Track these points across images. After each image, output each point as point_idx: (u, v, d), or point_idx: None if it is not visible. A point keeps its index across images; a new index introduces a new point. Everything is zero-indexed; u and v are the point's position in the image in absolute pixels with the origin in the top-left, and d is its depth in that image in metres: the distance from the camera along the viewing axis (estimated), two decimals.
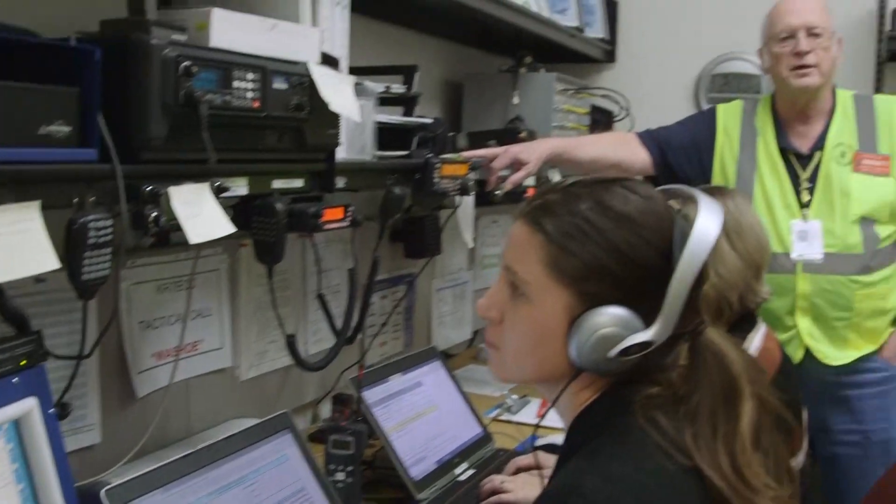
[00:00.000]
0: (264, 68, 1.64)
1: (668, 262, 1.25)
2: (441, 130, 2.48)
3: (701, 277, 1.27)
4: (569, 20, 3.69)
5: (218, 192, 1.58)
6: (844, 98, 2.82)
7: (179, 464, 1.69)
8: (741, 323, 2.20)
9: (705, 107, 3.97)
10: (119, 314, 1.96)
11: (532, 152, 2.69)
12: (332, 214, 1.84)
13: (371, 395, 2.35)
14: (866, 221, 2.69)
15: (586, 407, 1.33)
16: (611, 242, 1.26)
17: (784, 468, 1.32)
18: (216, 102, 1.52)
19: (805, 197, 2.72)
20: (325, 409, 2.71)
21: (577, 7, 3.77)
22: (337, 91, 1.81)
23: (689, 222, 1.27)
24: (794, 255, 2.68)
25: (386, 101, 2.40)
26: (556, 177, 3.24)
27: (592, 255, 1.26)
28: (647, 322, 1.25)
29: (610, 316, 1.25)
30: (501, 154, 2.64)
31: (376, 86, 2.29)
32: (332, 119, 1.86)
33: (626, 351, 1.24)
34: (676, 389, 1.30)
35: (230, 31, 1.65)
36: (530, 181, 2.88)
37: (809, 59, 2.68)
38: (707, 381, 1.28)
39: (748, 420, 1.25)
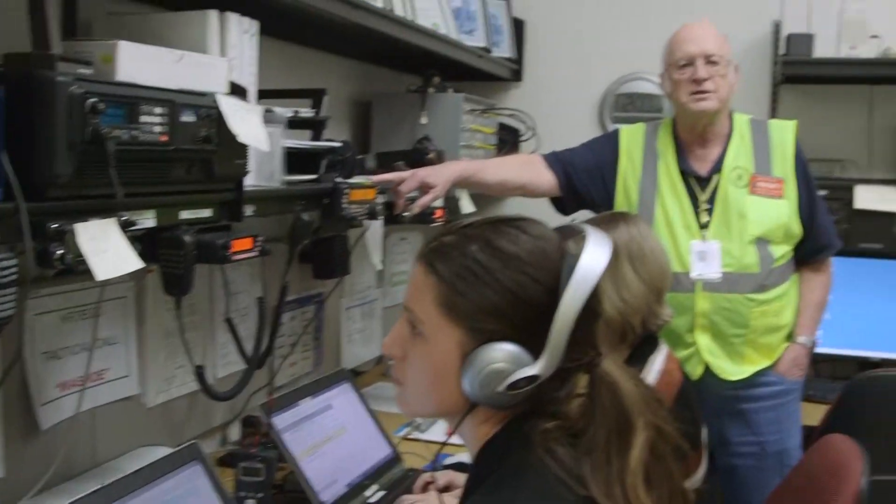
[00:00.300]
0: (172, 102, 1.63)
1: (555, 298, 1.29)
2: (349, 154, 2.49)
3: (591, 312, 1.33)
4: (476, 40, 3.74)
5: (125, 226, 1.57)
6: (741, 122, 2.91)
7: (88, 500, 1.67)
8: (644, 345, 2.26)
9: (610, 126, 4.06)
10: (22, 346, 1.93)
11: (439, 175, 2.70)
12: (241, 245, 1.84)
13: (281, 420, 2.34)
14: (762, 242, 2.78)
15: (488, 440, 1.37)
16: (499, 282, 1.31)
17: (679, 495, 1.37)
18: (123, 138, 1.51)
19: (704, 218, 2.80)
20: (235, 432, 2.70)
21: (485, 27, 3.82)
22: (245, 122, 1.81)
23: (576, 260, 1.31)
24: (693, 275, 2.76)
25: (294, 124, 2.40)
26: (464, 198, 3.27)
27: (481, 295, 1.31)
28: (536, 356, 1.29)
29: (498, 352, 1.29)
30: (409, 178, 2.64)
31: (284, 111, 2.29)
32: (241, 149, 1.86)
33: (515, 385, 1.28)
34: (574, 422, 1.34)
35: (137, 64, 1.65)
36: (438, 203, 2.91)
37: (707, 86, 2.76)
38: (601, 413, 1.31)
39: (639, 451, 1.29)
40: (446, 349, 1.33)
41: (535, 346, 1.29)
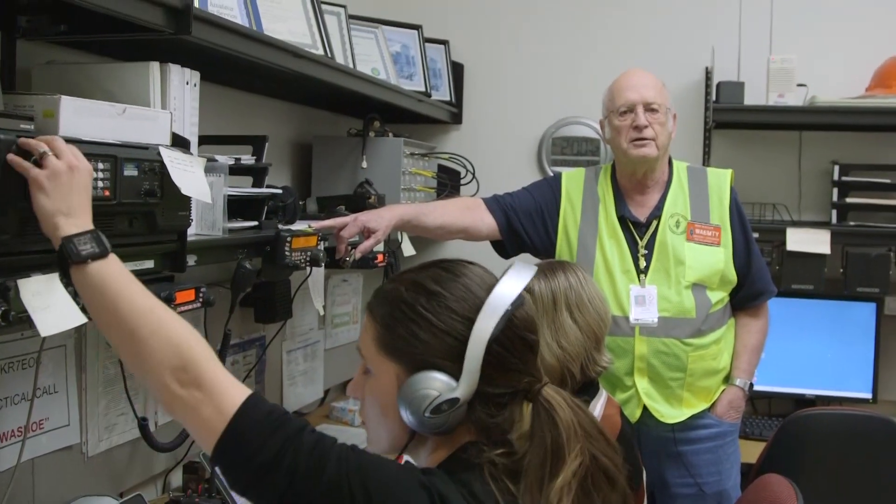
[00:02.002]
0: (115, 157, 1.64)
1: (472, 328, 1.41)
2: (291, 200, 2.51)
3: (521, 341, 1.45)
4: (416, 85, 3.78)
5: (68, 281, 1.57)
6: (679, 169, 2.97)
7: None
8: (584, 391, 2.29)
9: (548, 168, 4.13)
10: None
11: (381, 220, 2.70)
12: (185, 297, 1.85)
13: None
14: (698, 287, 2.83)
15: (438, 467, 1.45)
16: (423, 317, 1.44)
17: None
18: None
19: (642, 263, 2.84)
20: (176, 478, 2.68)
21: (424, 72, 3.87)
22: (188, 174, 1.81)
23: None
24: (631, 319, 2.79)
25: (236, 170, 2.41)
26: (405, 242, 3.29)
27: (409, 330, 1.44)
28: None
29: (424, 379, 1.41)
30: (350, 223, 2.64)
31: (226, 159, 2.30)
32: (184, 201, 1.86)
33: (439, 408, 1.39)
34: (518, 448, 1.44)
35: (79, 118, 1.66)
36: (380, 248, 2.93)
37: (647, 133, 2.82)
38: (539, 436, 1.41)
39: (568, 475, 1.38)
40: (387, 382, 1.46)
41: (458, 373, 1.40)
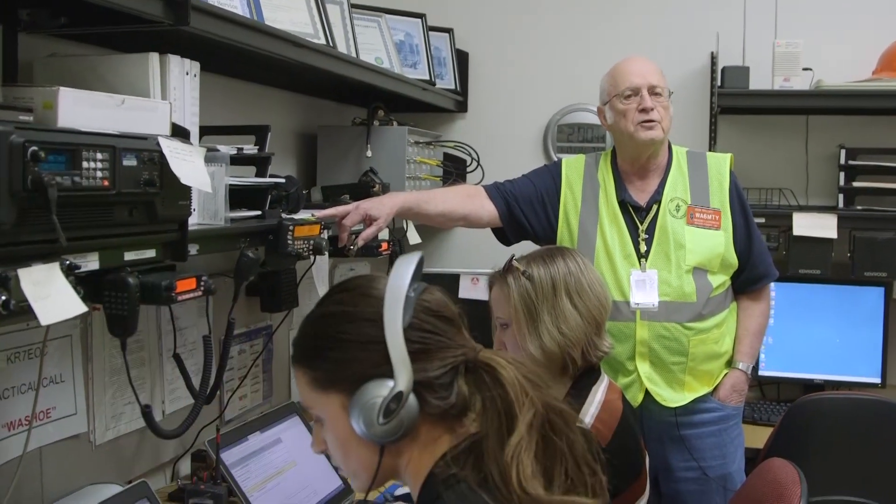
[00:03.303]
0: (113, 147, 1.64)
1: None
2: (294, 189, 2.52)
3: (439, 316, 1.48)
4: (420, 73, 3.79)
5: (69, 270, 1.58)
6: (679, 154, 2.98)
7: None
8: (585, 376, 2.31)
9: (554, 155, 4.13)
10: None
11: (382, 208, 2.72)
12: (186, 285, 1.85)
13: (230, 455, 2.37)
14: (699, 271, 2.83)
15: (424, 481, 1.46)
16: (338, 339, 1.47)
17: (583, 468, 1.44)
18: (65, 184, 1.52)
19: (643, 247, 2.85)
20: (185, 466, 2.70)
21: (428, 60, 3.88)
22: (187, 164, 1.82)
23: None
24: (632, 304, 2.80)
25: (239, 160, 2.42)
26: (411, 229, 3.30)
27: (332, 358, 1.47)
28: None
29: (365, 392, 1.42)
30: (353, 211, 2.66)
31: (228, 149, 2.31)
32: (184, 190, 1.87)
33: (389, 411, 1.40)
34: (475, 429, 1.44)
35: (78, 109, 1.67)
36: (384, 235, 2.94)
37: (653, 115, 2.83)
38: (490, 399, 1.43)
39: (525, 428, 1.38)
40: (337, 416, 1.48)
41: (390, 372, 1.41)
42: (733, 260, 2.89)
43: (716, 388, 2.92)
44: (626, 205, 2.91)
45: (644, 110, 2.84)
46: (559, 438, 1.42)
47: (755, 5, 3.92)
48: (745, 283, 2.97)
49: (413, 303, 1.44)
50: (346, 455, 1.51)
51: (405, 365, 1.40)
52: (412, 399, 1.42)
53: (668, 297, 2.80)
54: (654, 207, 2.90)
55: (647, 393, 2.83)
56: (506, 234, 3.05)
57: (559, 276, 2.31)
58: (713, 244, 2.85)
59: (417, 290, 1.47)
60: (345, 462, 1.53)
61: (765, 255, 3.00)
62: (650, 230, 2.88)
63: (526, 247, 2.71)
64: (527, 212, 2.99)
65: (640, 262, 2.84)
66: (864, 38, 3.82)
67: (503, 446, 1.37)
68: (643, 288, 2.80)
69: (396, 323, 1.40)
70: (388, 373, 1.41)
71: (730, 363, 2.96)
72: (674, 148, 2.99)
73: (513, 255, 2.41)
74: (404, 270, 1.44)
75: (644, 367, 2.82)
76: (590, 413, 2.19)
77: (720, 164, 2.96)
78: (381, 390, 1.41)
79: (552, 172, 3.06)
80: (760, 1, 3.93)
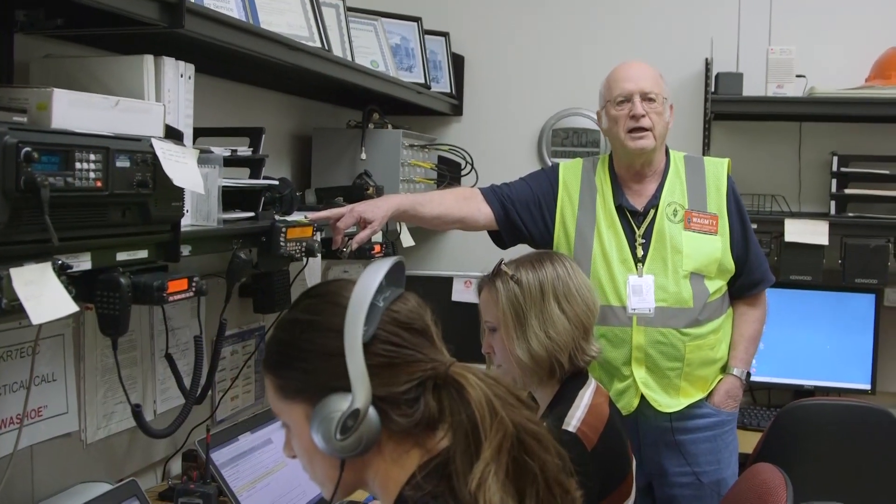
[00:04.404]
0: (107, 148, 1.65)
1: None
2: (288, 191, 2.53)
3: (408, 328, 1.42)
4: (415, 77, 3.81)
5: (61, 270, 1.59)
6: (676, 159, 2.98)
7: None
8: (573, 380, 2.32)
9: (548, 160, 4.14)
10: None
11: (377, 210, 2.70)
12: (177, 286, 1.87)
13: (220, 455, 2.38)
14: (696, 277, 2.84)
15: (382, 485, 1.45)
16: (302, 348, 1.43)
17: (555, 488, 1.40)
18: (58, 185, 1.53)
19: (640, 252, 2.85)
20: (176, 466, 2.71)
21: (424, 64, 3.89)
22: (180, 165, 1.84)
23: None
24: (628, 309, 2.81)
25: (232, 162, 2.43)
26: (404, 232, 3.32)
27: (297, 366, 1.44)
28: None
29: (325, 405, 1.38)
30: (347, 213, 2.64)
31: (221, 151, 2.32)
32: (177, 191, 1.88)
33: (346, 427, 1.35)
34: (447, 444, 1.40)
35: (72, 110, 1.68)
36: (377, 238, 2.95)
37: (644, 123, 2.83)
38: (457, 419, 1.37)
39: (493, 452, 1.33)
40: (301, 426, 1.43)
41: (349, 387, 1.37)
42: (730, 265, 2.90)
43: (710, 394, 2.92)
44: (623, 209, 2.91)
45: (634, 117, 2.84)
46: (531, 460, 1.37)
47: (749, 12, 3.94)
48: (742, 289, 2.97)
49: (380, 313, 1.40)
50: (310, 464, 1.48)
51: (363, 381, 1.35)
52: (373, 414, 1.37)
53: (664, 302, 2.81)
54: (652, 212, 2.89)
55: (642, 398, 2.83)
56: (502, 238, 3.05)
57: (547, 280, 2.32)
58: (710, 249, 2.86)
59: (388, 298, 1.43)
60: (310, 471, 1.50)
61: (761, 261, 3.01)
62: (647, 235, 2.87)
63: (522, 250, 2.71)
64: (523, 215, 2.99)
65: (637, 266, 2.84)
66: (857, 45, 3.85)
67: (471, 467, 1.33)
68: (640, 293, 2.80)
69: (356, 337, 1.35)
70: (346, 384, 1.36)
71: (725, 369, 2.95)
72: (671, 153, 3.00)
73: (502, 260, 2.42)
74: (370, 279, 1.38)
75: (640, 373, 2.82)
76: (576, 417, 2.20)
77: (718, 169, 2.96)
78: (340, 404, 1.36)
79: (549, 176, 3.05)
80: (755, 7, 3.95)
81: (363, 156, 3.37)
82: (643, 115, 2.83)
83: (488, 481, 1.31)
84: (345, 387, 1.36)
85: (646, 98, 2.85)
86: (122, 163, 1.71)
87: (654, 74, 2.91)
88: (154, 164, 1.79)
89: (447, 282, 3.93)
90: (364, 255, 2.94)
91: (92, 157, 1.63)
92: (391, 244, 3.23)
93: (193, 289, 1.92)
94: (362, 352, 1.35)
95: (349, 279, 1.48)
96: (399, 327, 1.42)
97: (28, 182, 1.47)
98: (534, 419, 1.42)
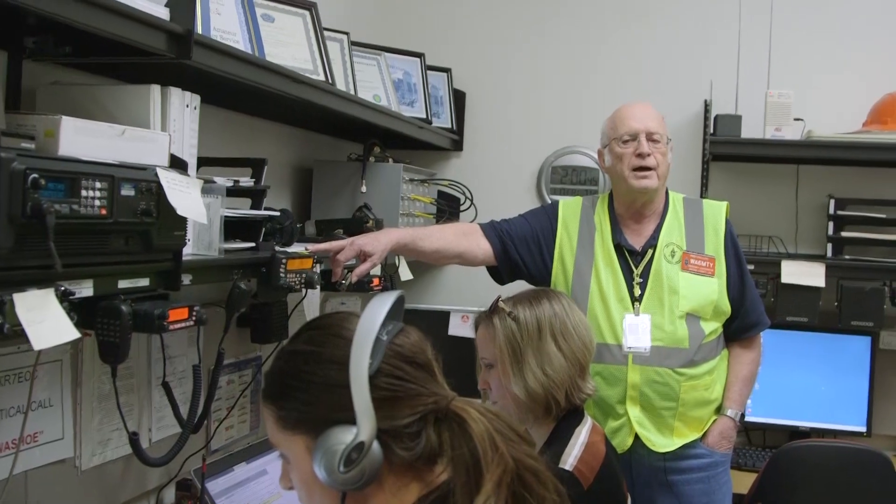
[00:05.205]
0: (112, 177, 1.66)
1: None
2: (288, 222, 2.54)
3: (412, 363, 1.43)
4: (417, 112, 3.83)
5: (63, 296, 1.60)
6: (675, 200, 3.01)
7: None
8: (569, 418, 2.32)
9: (547, 196, 4.16)
10: None
11: (377, 244, 2.71)
12: (178, 315, 1.87)
13: (215, 485, 2.37)
14: (692, 318, 2.85)
15: None
16: (304, 380, 1.44)
17: None
18: (63, 212, 1.54)
19: (637, 291, 2.87)
20: (170, 495, 2.70)
21: (426, 99, 3.92)
22: (184, 195, 1.85)
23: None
24: (624, 347, 2.81)
25: (234, 192, 2.44)
26: (403, 266, 3.32)
27: (298, 398, 1.44)
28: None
29: (328, 438, 1.38)
30: (347, 246, 2.66)
31: (224, 181, 2.33)
32: (180, 221, 1.89)
33: (350, 460, 1.36)
34: (446, 477, 1.41)
35: (79, 138, 1.69)
36: (376, 272, 2.96)
37: (649, 161, 2.86)
38: (458, 454, 1.38)
39: (493, 486, 1.34)
40: (301, 458, 1.44)
41: (354, 419, 1.37)
42: (726, 307, 2.91)
43: (704, 435, 2.92)
44: (621, 248, 2.93)
45: (640, 155, 2.86)
46: (530, 495, 1.38)
47: (749, 55, 3.98)
48: (737, 331, 2.99)
49: (384, 347, 1.41)
50: (309, 497, 1.47)
51: (369, 414, 1.35)
52: (376, 447, 1.38)
53: (660, 341, 2.82)
54: (650, 252, 2.91)
55: (636, 437, 2.83)
56: (500, 273, 3.06)
57: (545, 317, 2.33)
58: (707, 291, 2.87)
59: (391, 332, 1.44)
60: (308, 503, 1.50)
61: (757, 304, 3.02)
62: (645, 274, 2.89)
63: (520, 286, 2.72)
64: (522, 251, 3.01)
65: (633, 305, 2.86)
66: (855, 91, 3.90)
67: (471, 501, 1.33)
68: (636, 332, 2.82)
69: (362, 369, 1.35)
70: (354, 419, 1.36)
71: (719, 410, 2.96)
72: (670, 194, 3.02)
73: (499, 296, 2.42)
74: (375, 312, 1.39)
75: (634, 412, 2.82)
76: (573, 455, 2.20)
77: (716, 212, 2.98)
78: (344, 437, 1.36)
79: (549, 213, 3.08)
80: (754, 51, 3.99)
81: (363, 189, 3.38)
82: (649, 154, 2.86)
83: None
84: (346, 419, 1.36)
85: (651, 138, 2.88)
86: (127, 191, 1.72)
87: (658, 115, 2.95)
88: (158, 193, 1.80)
89: (444, 316, 3.93)
90: (363, 288, 2.94)
91: (98, 184, 1.63)
92: (390, 278, 3.23)
93: (194, 318, 1.93)
94: (368, 384, 1.35)
95: (351, 312, 1.50)
96: (402, 361, 1.43)
97: (34, 208, 1.47)
98: (533, 455, 1.42)
